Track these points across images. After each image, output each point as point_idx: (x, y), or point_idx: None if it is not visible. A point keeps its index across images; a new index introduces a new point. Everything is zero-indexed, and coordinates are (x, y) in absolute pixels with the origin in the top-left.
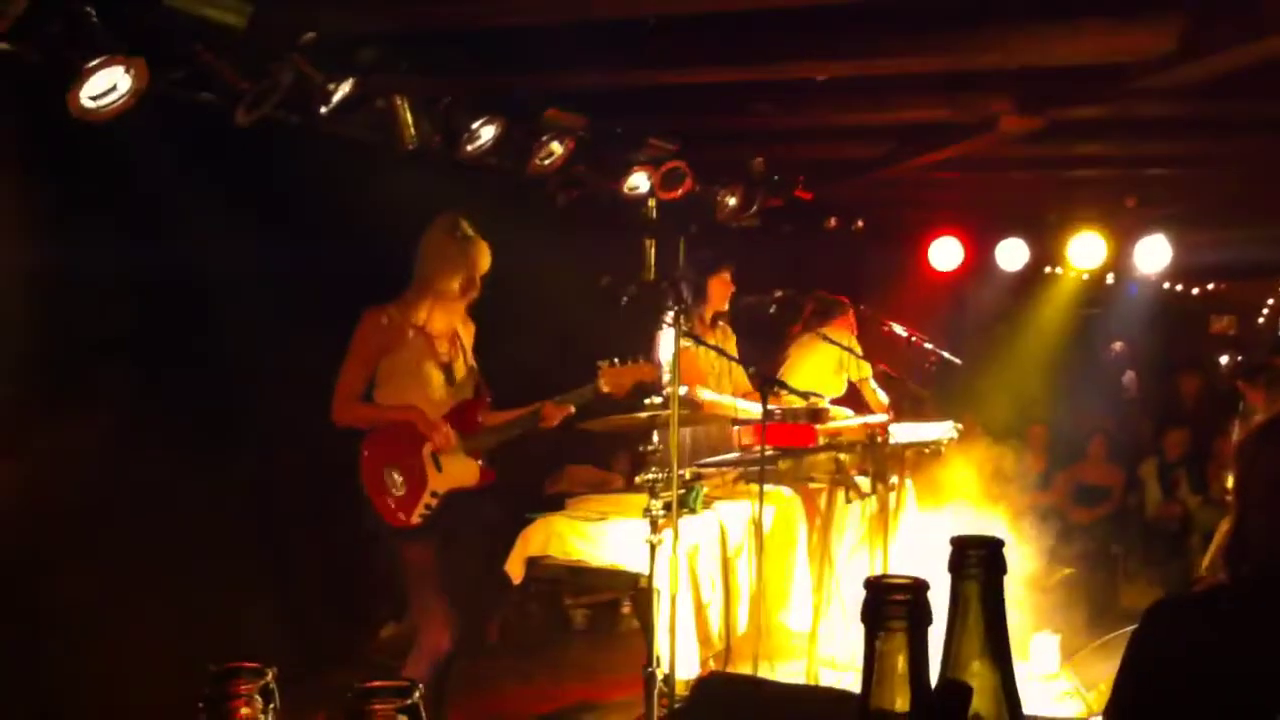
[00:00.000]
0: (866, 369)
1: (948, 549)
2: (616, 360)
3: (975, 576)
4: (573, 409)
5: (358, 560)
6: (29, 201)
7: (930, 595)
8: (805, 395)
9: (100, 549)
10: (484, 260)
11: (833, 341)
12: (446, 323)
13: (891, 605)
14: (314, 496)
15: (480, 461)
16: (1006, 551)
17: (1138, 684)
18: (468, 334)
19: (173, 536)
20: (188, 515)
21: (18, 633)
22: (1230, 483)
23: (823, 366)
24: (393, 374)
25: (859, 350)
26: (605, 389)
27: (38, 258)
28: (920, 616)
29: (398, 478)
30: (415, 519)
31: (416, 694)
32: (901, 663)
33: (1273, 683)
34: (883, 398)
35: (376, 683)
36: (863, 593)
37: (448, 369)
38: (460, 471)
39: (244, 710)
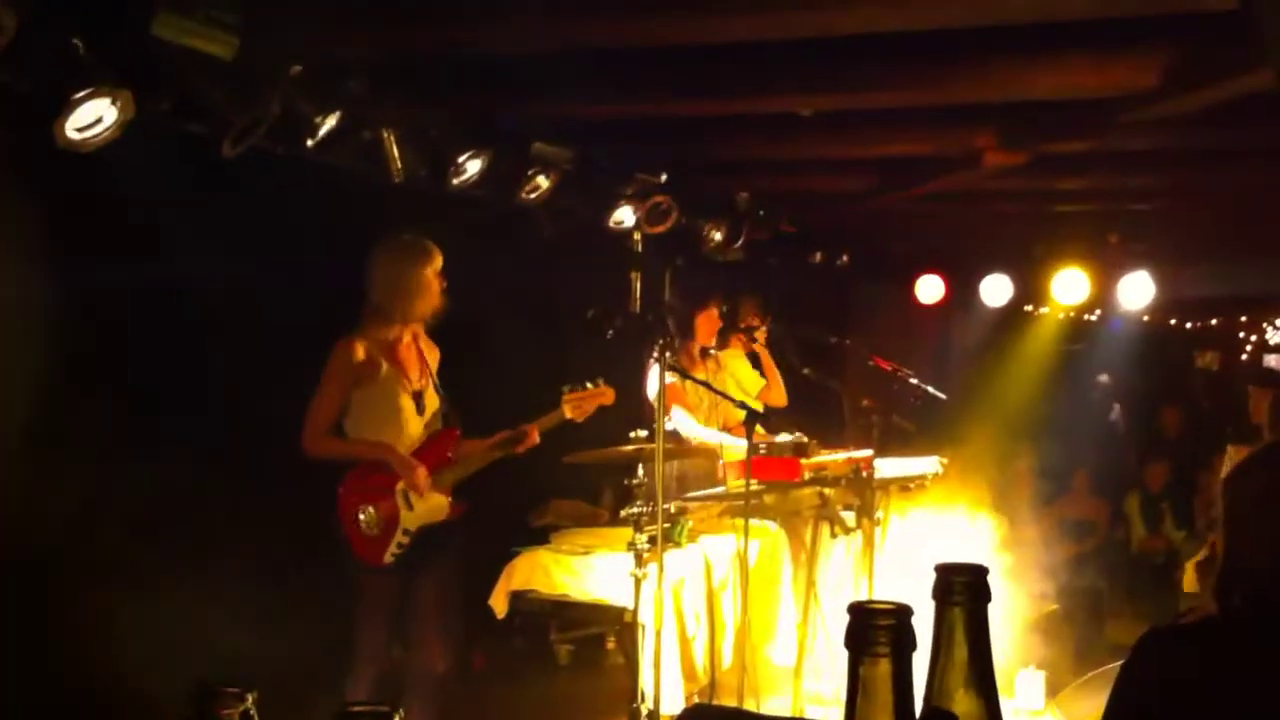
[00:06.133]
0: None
1: (933, 578)
2: (581, 385)
3: (960, 604)
4: (537, 436)
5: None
6: (16, 228)
7: (914, 622)
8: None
9: (92, 567)
10: (438, 261)
11: (753, 339)
12: (414, 348)
13: (875, 630)
14: (311, 519)
15: (449, 497)
16: (992, 587)
17: (1128, 716)
18: (433, 358)
19: (163, 557)
20: (179, 535)
21: (11, 648)
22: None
23: (740, 381)
24: (365, 406)
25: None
26: (569, 414)
27: (24, 283)
28: (904, 641)
29: (372, 517)
30: (388, 558)
31: (397, 718)
32: (885, 690)
33: (1265, 714)
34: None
35: (359, 707)
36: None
37: (418, 397)
38: (431, 507)
39: None
